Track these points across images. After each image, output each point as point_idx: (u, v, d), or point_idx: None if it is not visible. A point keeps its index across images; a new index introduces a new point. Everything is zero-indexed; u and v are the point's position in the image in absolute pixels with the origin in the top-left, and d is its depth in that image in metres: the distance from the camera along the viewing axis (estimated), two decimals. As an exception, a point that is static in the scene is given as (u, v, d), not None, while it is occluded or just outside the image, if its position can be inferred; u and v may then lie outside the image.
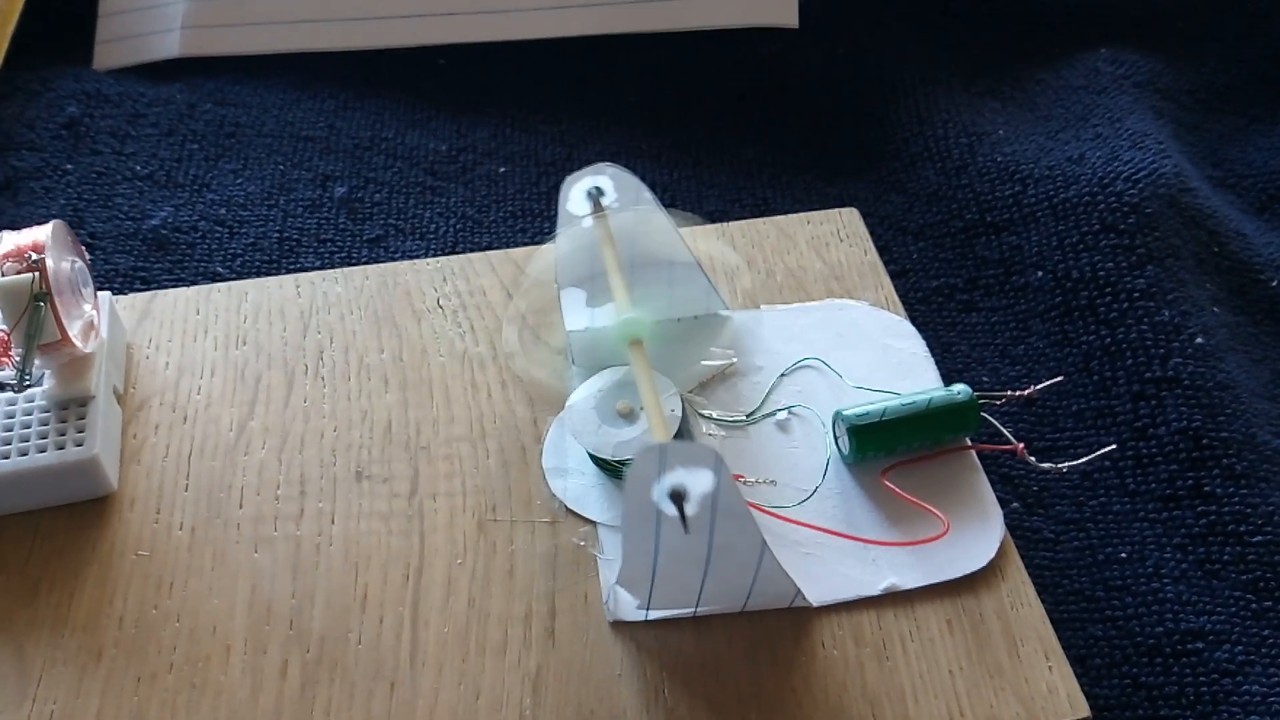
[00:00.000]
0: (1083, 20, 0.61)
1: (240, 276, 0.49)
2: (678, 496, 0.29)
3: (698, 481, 0.29)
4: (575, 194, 0.38)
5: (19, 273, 0.35)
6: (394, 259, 0.50)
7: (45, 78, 0.57)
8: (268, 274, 0.48)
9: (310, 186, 0.53)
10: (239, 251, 0.50)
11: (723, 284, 0.43)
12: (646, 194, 0.38)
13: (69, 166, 0.53)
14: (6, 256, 0.36)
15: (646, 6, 0.59)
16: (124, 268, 0.49)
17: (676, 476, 0.29)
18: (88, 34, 0.60)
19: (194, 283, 0.47)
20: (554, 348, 0.40)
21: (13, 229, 0.37)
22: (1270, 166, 0.55)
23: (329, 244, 0.51)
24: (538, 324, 0.41)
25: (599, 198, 0.38)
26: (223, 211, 0.51)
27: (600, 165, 0.38)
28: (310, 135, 0.56)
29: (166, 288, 0.45)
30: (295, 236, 0.51)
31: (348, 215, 0.52)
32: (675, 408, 0.36)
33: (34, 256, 0.36)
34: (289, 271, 0.48)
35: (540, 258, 0.43)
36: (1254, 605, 0.38)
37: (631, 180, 0.38)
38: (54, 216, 0.37)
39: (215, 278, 0.49)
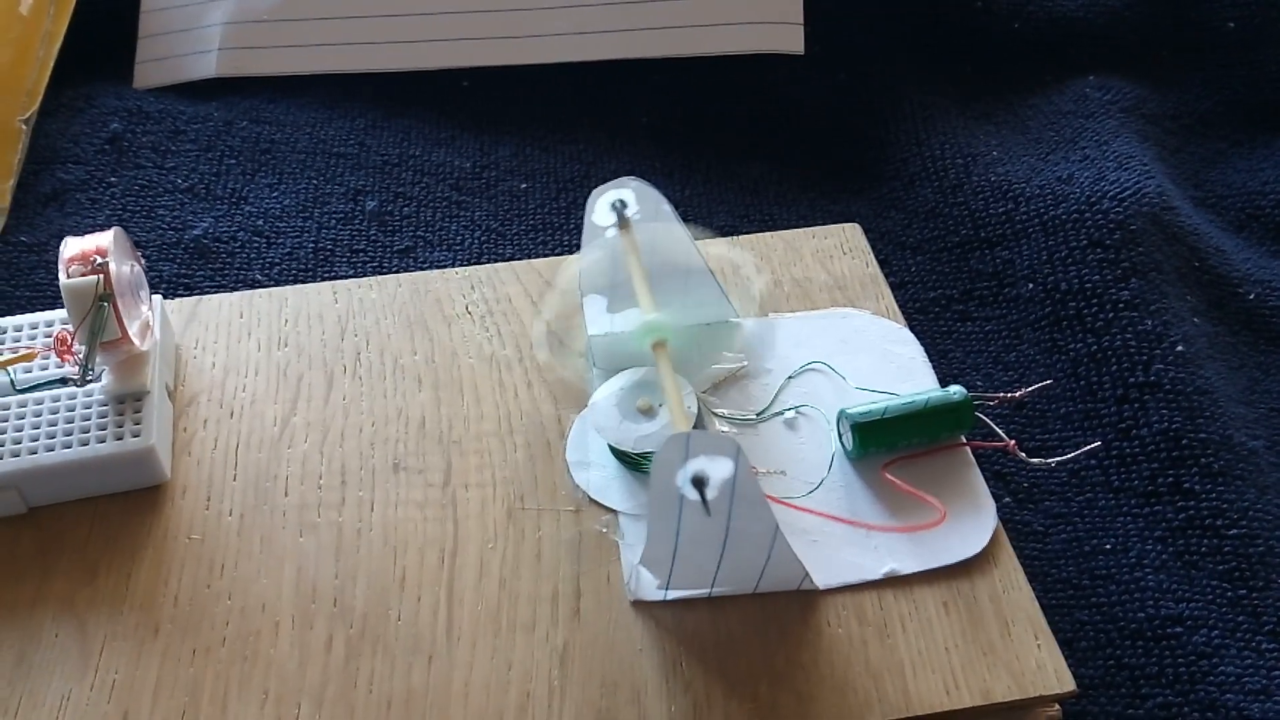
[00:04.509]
0: (1072, 49, 0.63)
1: (278, 284, 0.51)
2: (699, 482, 0.31)
3: (718, 469, 0.31)
4: (600, 206, 0.40)
5: (84, 275, 0.38)
6: (422, 269, 0.52)
7: (89, 95, 0.60)
8: (304, 282, 0.50)
9: (343, 200, 0.55)
10: (276, 260, 0.52)
11: (736, 292, 0.45)
12: (666, 207, 0.40)
13: (113, 180, 0.55)
14: (72, 260, 0.38)
15: (660, 33, 0.60)
16: (168, 275, 0.51)
17: (699, 464, 0.30)
18: (128, 55, 0.62)
19: (234, 289, 0.49)
20: (577, 351, 0.43)
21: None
22: (1248, 188, 0.57)
23: (361, 254, 0.53)
24: (562, 329, 0.43)
25: (622, 210, 0.40)
26: (260, 223, 0.54)
27: (624, 179, 0.40)
28: (342, 152, 0.58)
29: (209, 294, 0.47)
30: (329, 247, 0.53)
31: (378, 228, 0.54)
32: (692, 405, 0.38)
33: (98, 260, 0.38)
34: (324, 279, 0.50)
35: (566, 268, 0.45)
36: (1229, 593, 0.40)
37: (652, 193, 0.40)
38: (100, 227, 0.39)
39: (255, 285, 0.51)
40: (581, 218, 0.41)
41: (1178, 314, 0.48)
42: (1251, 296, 0.51)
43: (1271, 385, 0.49)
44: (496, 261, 0.51)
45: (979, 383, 0.48)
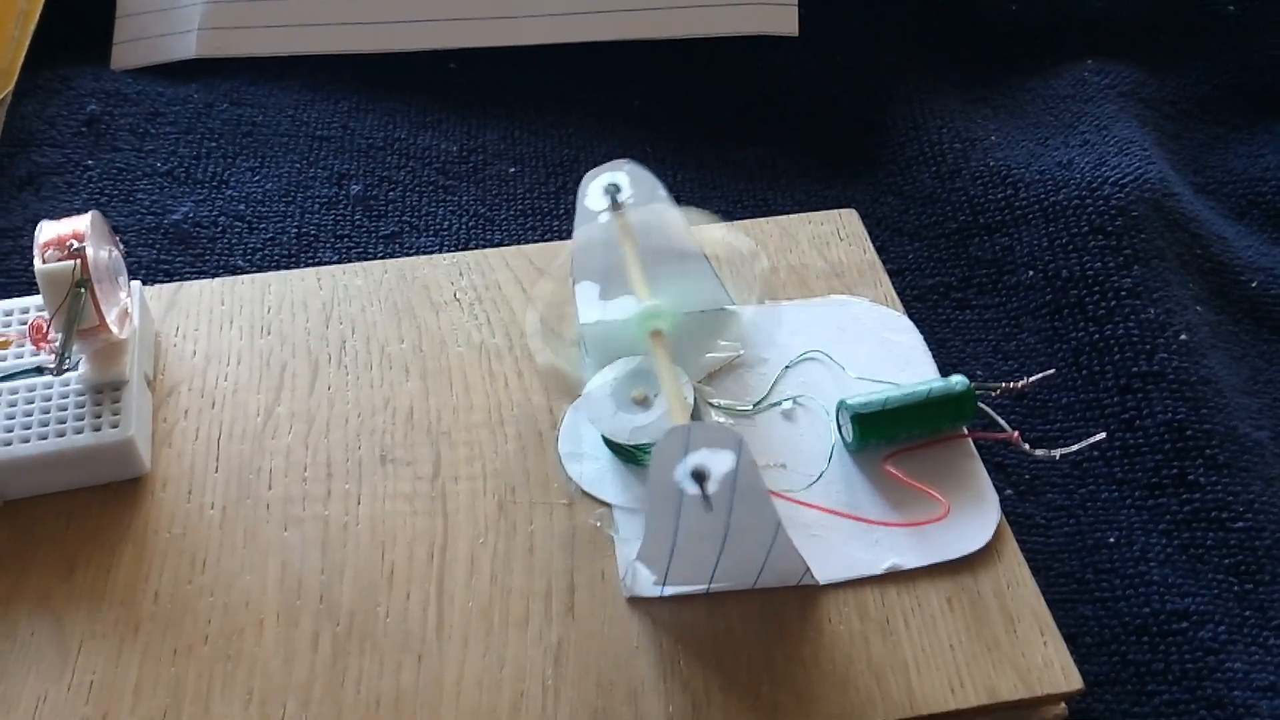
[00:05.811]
0: (1070, 33, 0.62)
1: (260, 270, 0.50)
2: (700, 475, 0.30)
3: (719, 461, 0.30)
4: (594, 189, 0.39)
5: (60, 260, 0.37)
6: (409, 254, 0.51)
7: (65, 76, 0.58)
8: (287, 268, 0.49)
9: (326, 184, 0.54)
10: (258, 246, 0.51)
11: (733, 279, 0.44)
12: (661, 191, 0.39)
13: (90, 163, 0.54)
14: (48, 245, 0.37)
15: (651, 14, 0.60)
16: (147, 260, 0.50)
17: (700, 457, 0.30)
18: (106, 35, 0.61)
19: (215, 275, 0.48)
20: (569, 339, 0.42)
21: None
22: (1249, 174, 0.57)
23: (346, 240, 0.52)
24: (553, 317, 0.42)
25: (616, 194, 0.39)
26: (242, 207, 0.53)
27: (618, 161, 0.39)
28: (325, 135, 0.57)
29: (189, 280, 0.46)
30: (313, 232, 0.52)
31: (363, 212, 0.53)
32: (688, 396, 0.37)
33: (75, 245, 0.37)
34: (308, 265, 0.49)
35: (557, 254, 0.44)
36: (1235, 588, 0.40)
37: (648, 177, 0.39)
38: (77, 211, 0.38)
39: (236, 271, 0.50)
40: (572, 202, 0.40)
41: (1180, 302, 0.48)
42: (1254, 284, 0.51)
43: (1275, 375, 0.48)
44: (485, 247, 0.50)
45: (978, 372, 0.48)
